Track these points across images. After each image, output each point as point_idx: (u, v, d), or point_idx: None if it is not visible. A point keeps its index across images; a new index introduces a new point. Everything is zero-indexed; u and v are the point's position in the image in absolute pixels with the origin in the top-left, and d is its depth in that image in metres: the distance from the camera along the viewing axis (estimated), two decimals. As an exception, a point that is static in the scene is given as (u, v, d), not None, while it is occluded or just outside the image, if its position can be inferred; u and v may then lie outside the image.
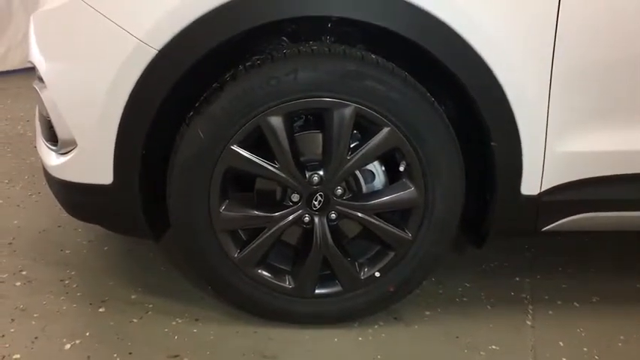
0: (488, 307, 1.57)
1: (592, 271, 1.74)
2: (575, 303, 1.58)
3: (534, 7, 1.21)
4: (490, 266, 1.76)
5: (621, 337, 1.44)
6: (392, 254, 1.39)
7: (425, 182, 1.32)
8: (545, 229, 1.42)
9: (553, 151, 1.30)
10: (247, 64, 1.26)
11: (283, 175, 1.30)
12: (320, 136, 1.34)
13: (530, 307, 1.57)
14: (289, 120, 1.29)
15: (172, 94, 1.27)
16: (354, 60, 1.25)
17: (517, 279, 1.69)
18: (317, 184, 1.33)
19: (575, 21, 1.21)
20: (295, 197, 1.34)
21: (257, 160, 1.29)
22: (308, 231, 1.38)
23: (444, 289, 1.64)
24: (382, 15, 1.20)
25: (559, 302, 1.59)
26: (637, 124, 1.30)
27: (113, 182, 1.32)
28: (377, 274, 1.40)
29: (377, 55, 1.28)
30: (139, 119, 1.27)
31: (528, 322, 1.50)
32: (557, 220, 1.40)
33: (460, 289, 1.64)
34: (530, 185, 1.33)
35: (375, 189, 1.39)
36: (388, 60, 1.29)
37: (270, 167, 1.30)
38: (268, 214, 1.35)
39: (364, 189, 1.39)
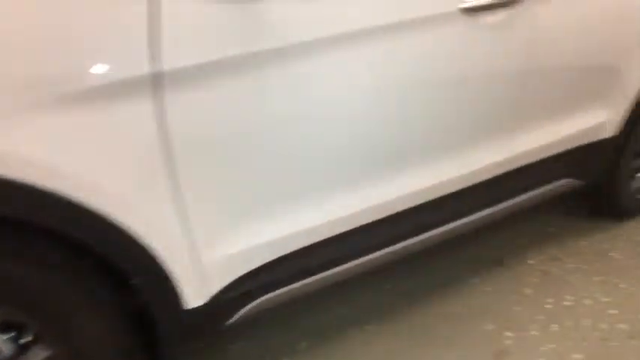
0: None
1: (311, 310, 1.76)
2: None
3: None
4: None
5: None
6: None
7: (63, 344, 1.10)
8: (228, 324, 1.36)
9: (205, 262, 1.22)
10: None
11: None
12: None
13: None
14: None
15: None
16: None
17: None
18: None
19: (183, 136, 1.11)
20: None
21: None
22: None
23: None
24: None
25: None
26: (264, 218, 1.31)
27: None
28: None
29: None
30: None
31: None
32: (234, 315, 1.35)
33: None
34: (193, 298, 1.23)
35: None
36: None
37: None
38: None
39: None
